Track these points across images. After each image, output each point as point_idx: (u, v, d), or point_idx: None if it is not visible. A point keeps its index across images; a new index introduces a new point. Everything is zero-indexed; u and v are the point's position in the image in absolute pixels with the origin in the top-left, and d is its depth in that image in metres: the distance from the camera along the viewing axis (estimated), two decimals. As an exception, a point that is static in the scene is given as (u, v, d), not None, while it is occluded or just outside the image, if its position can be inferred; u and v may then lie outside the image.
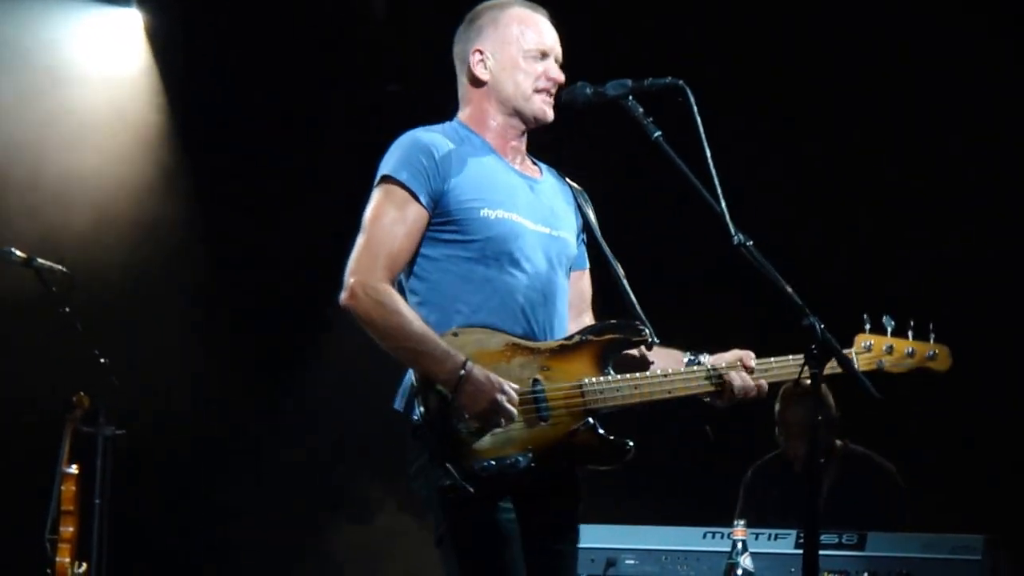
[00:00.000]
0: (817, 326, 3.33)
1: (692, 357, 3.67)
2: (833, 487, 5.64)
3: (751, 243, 3.41)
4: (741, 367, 3.64)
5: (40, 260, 6.13)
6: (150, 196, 7.38)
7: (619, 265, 3.75)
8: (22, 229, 6.78)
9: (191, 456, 7.30)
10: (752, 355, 3.67)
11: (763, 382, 3.65)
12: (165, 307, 7.28)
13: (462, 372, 3.37)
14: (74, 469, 6.22)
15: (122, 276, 7.17)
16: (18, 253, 6.11)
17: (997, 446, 6.36)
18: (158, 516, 7.17)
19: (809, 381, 3.40)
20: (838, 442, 5.77)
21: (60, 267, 6.17)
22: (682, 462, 6.66)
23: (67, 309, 6.12)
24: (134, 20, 7.39)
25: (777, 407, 5.78)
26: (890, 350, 3.79)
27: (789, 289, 3.37)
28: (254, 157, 7.36)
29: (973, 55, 6.45)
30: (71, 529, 6.18)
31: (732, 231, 3.41)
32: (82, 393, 6.25)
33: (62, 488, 6.20)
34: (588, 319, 3.78)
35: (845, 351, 3.63)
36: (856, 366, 3.62)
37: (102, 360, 6.15)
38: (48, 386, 6.58)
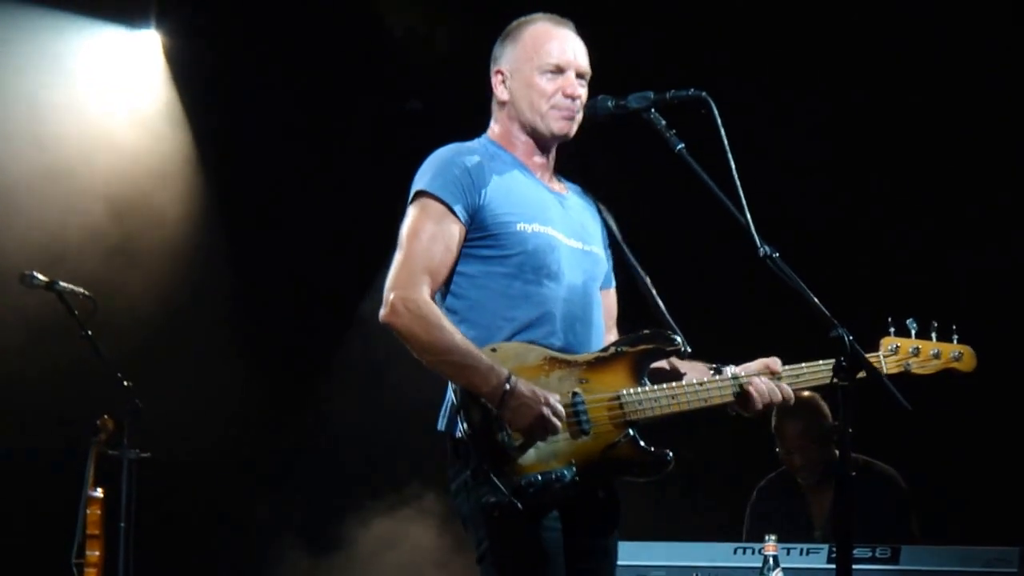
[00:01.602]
0: (846, 337, 3.32)
1: (716, 369, 3.67)
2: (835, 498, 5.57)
3: (777, 255, 3.39)
4: (768, 373, 3.64)
5: (62, 284, 6.15)
6: (171, 217, 7.39)
7: (646, 276, 3.75)
8: (43, 253, 6.78)
9: (217, 478, 7.28)
10: (778, 361, 3.68)
11: (789, 390, 3.66)
12: (189, 329, 7.29)
13: (507, 386, 3.36)
14: (99, 493, 6.21)
15: (145, 299, 7.17)
16: (40, 277, 6.13)
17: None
18: (184, 539, 7.15)
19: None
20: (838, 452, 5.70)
21: (82, 290, 6.19)
22: (712, 477, 6.62)
23: (89, 332, 6.12)
24: (153, 42, 7.40)
25: (773, 421, 5.70)
26: (916, 352, 3.81)
27: (816, 300, 3.35)
28: (276, 176, 7.37)
29: (1010, 57, 6.41)
30: (97, 553, 6.18)
31: (758, 243, 3.40)
32: (106, 416, 6.25)
33: (87, 512, 6.19)
34: (613, 336, 3.78)
35: (872, 355, 3.63)
36: (885, 372, 3.67)
37: (126, 383, 6.14)
38: (72, 410, 6.58)
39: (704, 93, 3.48)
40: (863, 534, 4.88)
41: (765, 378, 3.63)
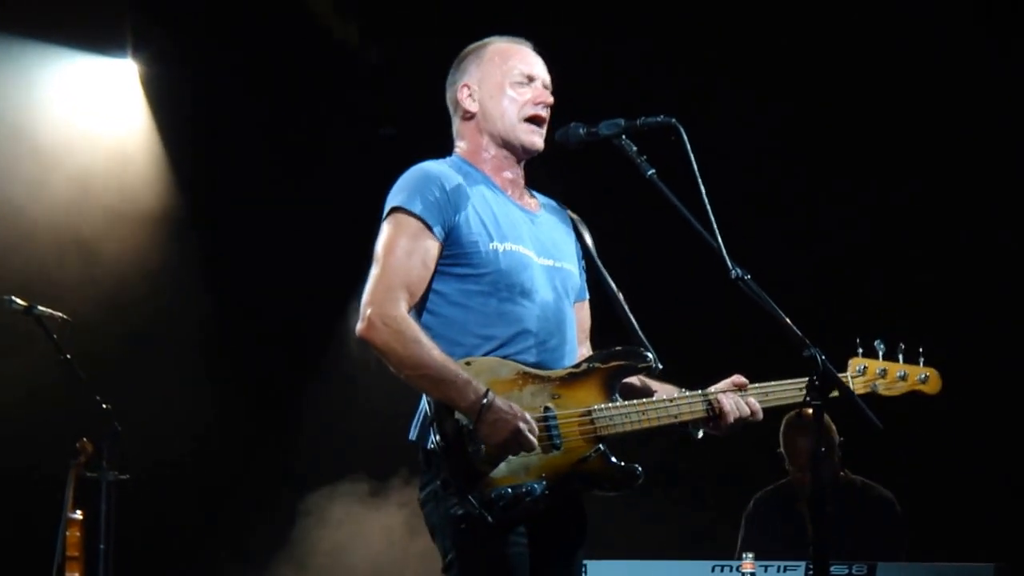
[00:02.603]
0: (819, 357, 3.33)
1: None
2: (835, 517, 5.60)
3: (749, 276, 3.40)
4: (736, 391, 3.65)
5: (40, 308, 6.15)
6: (148, 242, 7.39)
7: (619, 292, 3.76)
8: (19, 277, 6.77)
9: (194, 499, 7.28)
10: (745, 380, 3.68)
11: (757, 405, 3.66)
12: (165, 353, 7.28)
13: (484, 401, 3.38)
14: (79, 515, 6.21)
15: (121, 323, 7.15)
16: (19, 301, 6.13)
17: (1006, 473, 6.33)
18: (162, 560, 7.15)
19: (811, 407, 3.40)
20: (840, 472, 5.75)
21: (60, 314, 6.19)
22: (689, 495, 6.63)
23: (68, 356, 6.13)
24: (129, 70, 7.40)
25: (782, 437, 5.75)
26: (883, 373, 3.84)
27: (788, 321, 3.37)
28: (252, 201, 7.39)
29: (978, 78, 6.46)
30: (77, 574, 6.17)
31: (730, 265, 3.41)
32: (85, 439, 6.25)
33: (67, 534, 6.19)
34: (586, 350, 3.80)
35: (840, 375, 3.64)
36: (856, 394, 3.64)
37: (104, 406, 6.15)
38: (51, 432, 6.57)
39: (674, 120, 3.49)
40: (857, 554, 4.92)
41: (731, 393, 3.64)
